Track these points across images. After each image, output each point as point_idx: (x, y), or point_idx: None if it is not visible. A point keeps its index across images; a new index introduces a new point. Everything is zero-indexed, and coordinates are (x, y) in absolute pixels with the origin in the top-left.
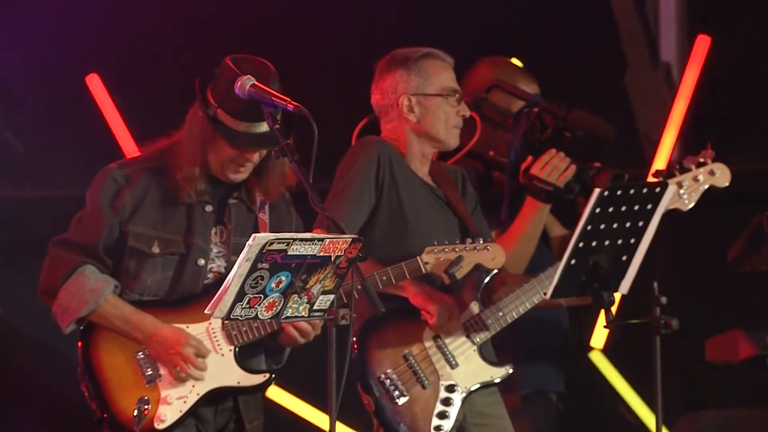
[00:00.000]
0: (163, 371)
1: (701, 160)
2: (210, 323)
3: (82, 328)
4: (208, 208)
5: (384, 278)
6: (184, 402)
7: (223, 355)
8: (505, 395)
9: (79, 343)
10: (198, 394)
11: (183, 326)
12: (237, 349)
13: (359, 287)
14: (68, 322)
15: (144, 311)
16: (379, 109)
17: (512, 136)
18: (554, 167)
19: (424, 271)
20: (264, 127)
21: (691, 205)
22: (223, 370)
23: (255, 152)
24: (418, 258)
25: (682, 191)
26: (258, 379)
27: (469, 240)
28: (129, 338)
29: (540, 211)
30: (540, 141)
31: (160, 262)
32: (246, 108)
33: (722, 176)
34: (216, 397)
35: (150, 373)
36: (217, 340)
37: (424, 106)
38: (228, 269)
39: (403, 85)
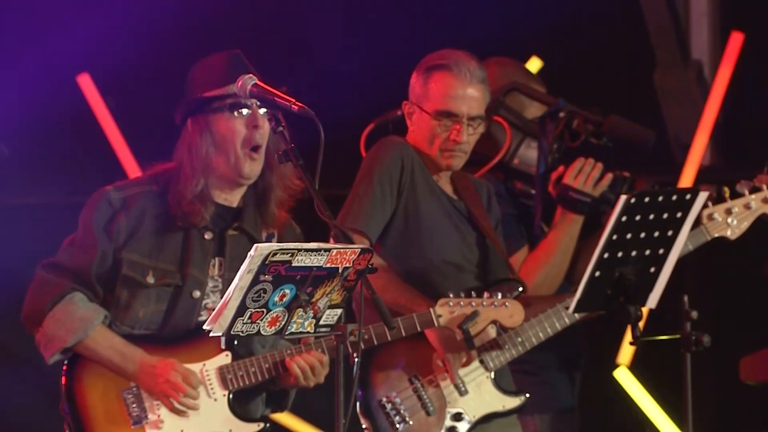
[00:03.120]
0: (150, 414)
1: (756, 185)
2: (204, 365)
3: (66, 361)
4: (208, 236)
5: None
6: None
7: (215, 400)
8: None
9: (63, 376)
10: None
11: None
12: (231, 395)
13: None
14: (53, 351)
15: (135, 346)
16: None
17: (540, 143)
18: (588, 176)
19: (436, 324)
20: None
21: (739, 234)
22: (214, 416)
23: (255, 113)
24: (431, 310)
25: (730, 219)
26: (251, 428)
27: (486, 294)
28: (118, 372)
29: (574, 223)
30: (570, 149)
31: (154, 293)
32: (222, 75)
33: None
34: None
35: (136, 413)
36: (210, 384)
37: (417, 118)
38: None
39: (413, 90)
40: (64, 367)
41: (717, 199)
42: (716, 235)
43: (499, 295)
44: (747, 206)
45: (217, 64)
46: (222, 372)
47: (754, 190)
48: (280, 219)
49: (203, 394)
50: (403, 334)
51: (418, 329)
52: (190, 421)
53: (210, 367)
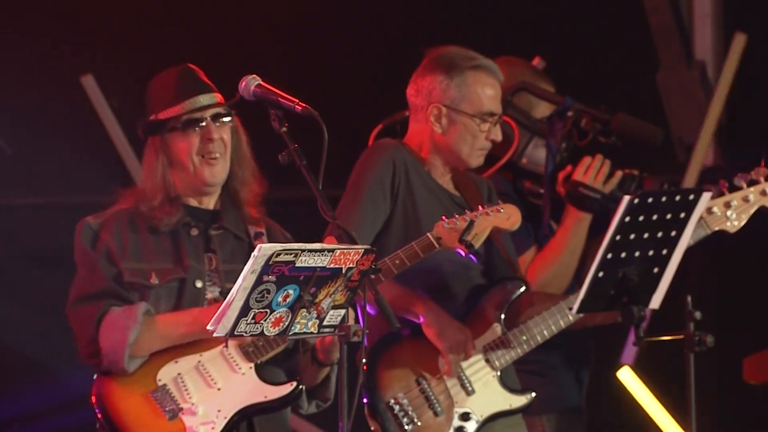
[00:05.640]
0: (183, 403)
1: (753, 177)
2: (223, 345)
3: (92, 383)
4: (194, 232)
5: (397, 262)
6: (212, 428)
7: (243, 374)
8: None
9: (92, 400)
10: (226, 418)
11: (196, 356)
12: (256, 366)
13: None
14: (122, 354)
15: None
16: (411, 104)
17: (548, 143)
18: (599, 171)
19: (437, 246)
20: (202, 99)
21: (739, 227)
22: (246, 388)
23: (209, 126)
24: (428, 234)
25: (729, 212)
26: (286, 389)
27: (480, 207)
28: (192, 338)
29: (583, 222)
30: (578, 148)
31: (162, 293)
32: (174, 93)
33: None
34: (242, 419)
35: (170, 408)
36: (234, 360)
37: (453, 120)
38: (223, 295)
39: (439, 92)
40: (93, 398)
41: (715, 192)
42: (716, 228)
43: (492, 206)
44: (746, 199)
45: (168, 82)
46: (242, 348)
47: (752, 183)
48: (254, 217)
49: (230, 372)
50: (407, 263)
51: (421, 256)
52: (225, 399)
53: (229, 345)
